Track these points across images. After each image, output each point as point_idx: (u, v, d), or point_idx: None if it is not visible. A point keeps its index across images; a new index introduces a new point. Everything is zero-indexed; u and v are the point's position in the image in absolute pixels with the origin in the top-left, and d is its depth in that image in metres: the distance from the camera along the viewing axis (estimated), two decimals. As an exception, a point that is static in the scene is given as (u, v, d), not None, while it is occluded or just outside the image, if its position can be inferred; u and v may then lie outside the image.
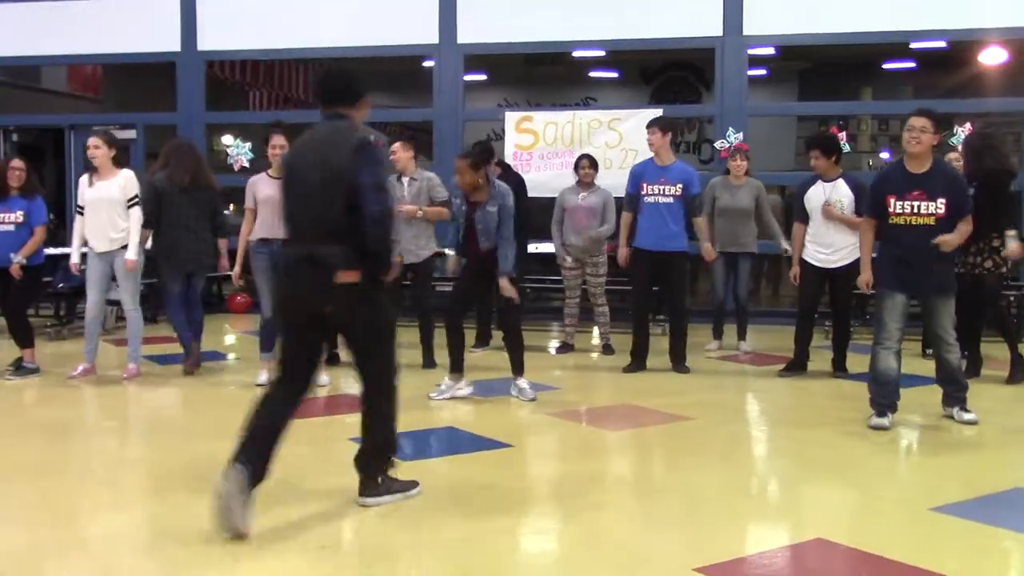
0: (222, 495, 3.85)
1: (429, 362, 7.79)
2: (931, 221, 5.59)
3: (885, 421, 5.76)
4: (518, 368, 6.63)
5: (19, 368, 7.48)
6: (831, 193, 7.32)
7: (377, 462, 4.40)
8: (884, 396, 5.81)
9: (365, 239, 4.01)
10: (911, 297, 5.81)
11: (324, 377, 7.13)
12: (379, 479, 4.38)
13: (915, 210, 5.60)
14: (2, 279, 7.46)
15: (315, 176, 4.13)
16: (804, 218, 7.46)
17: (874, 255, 6.00)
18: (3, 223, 7.46)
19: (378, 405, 4.35)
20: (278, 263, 4.49)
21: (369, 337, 4.23)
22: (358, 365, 4.31)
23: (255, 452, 4.01)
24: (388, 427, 4.38)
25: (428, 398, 6.58)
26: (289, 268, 4.19)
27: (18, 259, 7.35)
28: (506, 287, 6.36)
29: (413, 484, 4.49)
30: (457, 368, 6.67)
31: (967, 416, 5.86)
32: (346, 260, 4.00)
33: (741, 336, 8.73)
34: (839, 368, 7.59)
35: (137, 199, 7.25)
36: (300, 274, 4.11)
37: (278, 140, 7.09)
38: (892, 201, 5.64)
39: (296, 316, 4.18)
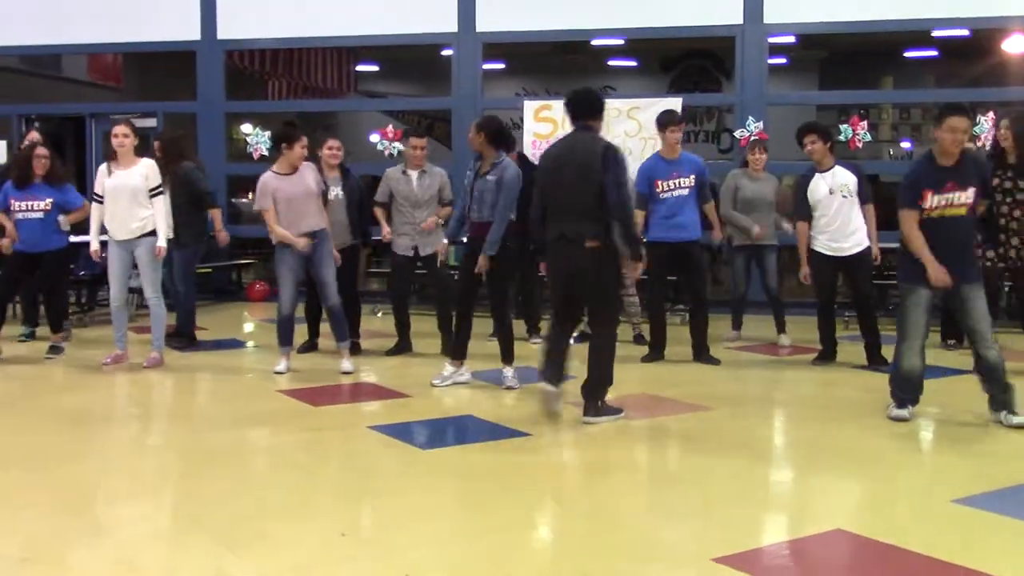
0: (546, 405, 5.72)
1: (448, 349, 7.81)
2: (962, 211, 5.54)
3: (905, 412, 5.70)
4: (507, 356, 6.67)
5: (53, 348, 7.67)
6: (833, 181, 7.26)
7: (598, 390, 5.71)
8: (906, 391, 5.72)
9: (609, 220, 5.51)
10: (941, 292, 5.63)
11: (347, 364, 7.15)
12: (598, 403, 5.70)
13: (950, 202, 5.52)
14: (30, 265, 7.53)
15: (572, 173, 5.57)
16: (806, 214, 7.36)
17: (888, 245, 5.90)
18: (31, 211, 7.52)
19: (603, 345, 5.73)
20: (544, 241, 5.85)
21: (603, 291, 5.69)
22: (591, 312, 5.88)
23: (554, 369, 5.73)
24: (609, 363, 5.73)
25: (431, 384, 6.61)
26: (550, 243, 5.73)
27: (66, 221, 7.54)
28: (481, 263, 6.44)
29: (620, 410, 5.78)
30: (460, 355, 6.71)
31: (1016, 419, 5.54)
32: (591, 234, 5.51)
33: (781, 329, 8.56)
34: (876, 360, 7.36)
35: (160, 189, 7.27)
36: (557, 246, 5.68)
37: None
38: (930, 196, 5.53)
39: (557, 276, 5.81)
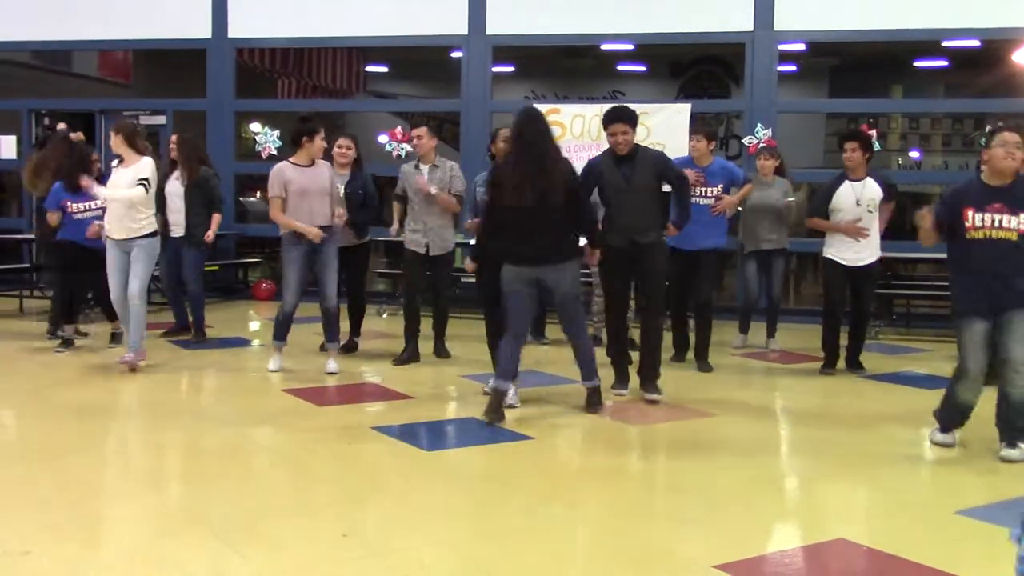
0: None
1: (442, 352, 7.80)
2: (1013, 236, 5.16)
3: (950, 438, 5.45)
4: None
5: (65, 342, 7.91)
6: (862, 192, 7.25)
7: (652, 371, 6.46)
8: (955, 421, 5.46)
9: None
10: (992, 321, 5.27)
11: (333, 364, 7.12)
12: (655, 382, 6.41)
13: (996, 223, 5.22)
14: (86, 259, 7.70)
15: None
16: (822, 215, 7.37)
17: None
18: (89, 211, 7.67)
19: (652, 331, 6.46)
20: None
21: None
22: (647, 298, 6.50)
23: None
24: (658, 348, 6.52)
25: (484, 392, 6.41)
26: None
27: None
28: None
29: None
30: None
31: (1007, 452, 5.20)
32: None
33: (771, 333, 8.64)
34: (854, 364, 7.55)
35: (146, 182, 7.06)
36: None
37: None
38: (970, 214, 5.25)
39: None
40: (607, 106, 6.34)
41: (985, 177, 5.38)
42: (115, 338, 8.08)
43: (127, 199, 7.02)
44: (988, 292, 5.21)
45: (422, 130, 7.66)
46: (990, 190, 5.28)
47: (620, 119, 6.30)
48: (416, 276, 7.85)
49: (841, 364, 7.59)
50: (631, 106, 6.57)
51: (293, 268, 7.01)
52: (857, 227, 7.24)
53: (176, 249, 8.43)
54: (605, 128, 6.41)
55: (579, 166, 10.77)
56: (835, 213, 7.31)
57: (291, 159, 7.05)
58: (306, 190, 6.91)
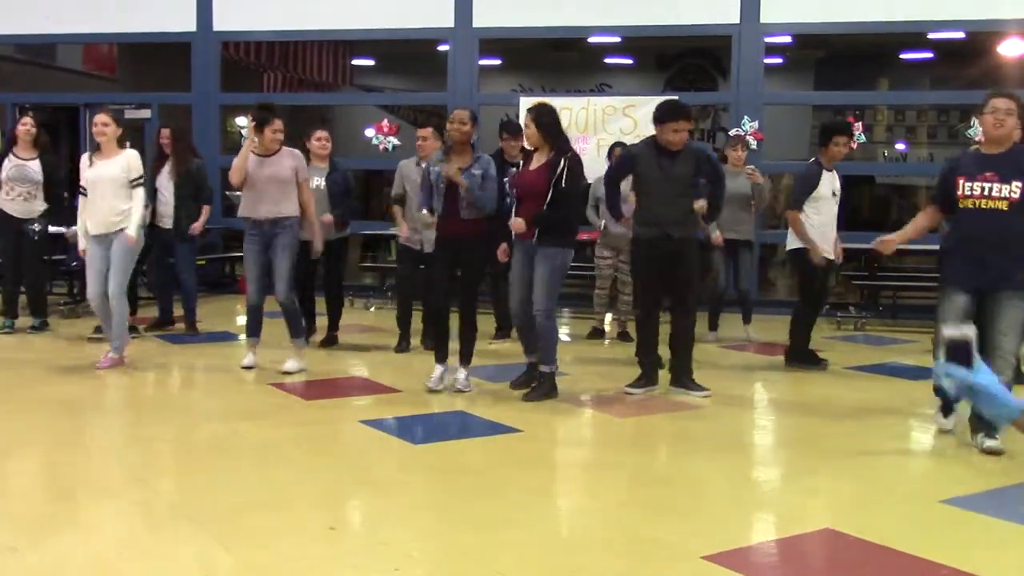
0: None
1: (404, 345, 7.74)
2: (1003, 206, 5.04)
3: (947, 423, 5.52)
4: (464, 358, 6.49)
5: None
6: (834, 183, 7.31)
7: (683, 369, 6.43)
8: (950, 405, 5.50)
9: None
10: (976, 295, 5.17)
11: (292, 363, 6.89)
12: (685, 380, 6.37)
13: (986, 192, 5.11)
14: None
15: None
16: (802, 208, 7.30)
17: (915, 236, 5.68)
18: None
19: (683, 332, 6.42)
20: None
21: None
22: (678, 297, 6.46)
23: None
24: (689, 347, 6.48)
25: (426, 388, 6.41)
26: None
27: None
28: (452, 174, 6.23)
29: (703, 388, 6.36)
30: (446, 355, 6.51)
31: (989, 443, 5.08)
32: None
33: (746, 320, 8.67)
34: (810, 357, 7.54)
35: (142, 179, 7.01)
36: None
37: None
38: (962, 182, 5.18)
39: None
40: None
41: (983, 147, 5.36)
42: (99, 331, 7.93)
43: (141, 202, 6.96)
44: (976, 268, 5.12)
45: (427, 131, 7.53)
46: (984, 158, 5.22)
47: (683, 115, 6.24)
48: (409, 272, 7.70)
49: (837, 359, 7.60)
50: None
51: (248, 260, 6.91)
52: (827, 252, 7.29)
53: (164, 242, 8.39)
54: (663, 123, 6.21)
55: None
56: (816, 202, 7.25)
57: (254, 149, 6.87)
58: (255, 179, 6.79)
